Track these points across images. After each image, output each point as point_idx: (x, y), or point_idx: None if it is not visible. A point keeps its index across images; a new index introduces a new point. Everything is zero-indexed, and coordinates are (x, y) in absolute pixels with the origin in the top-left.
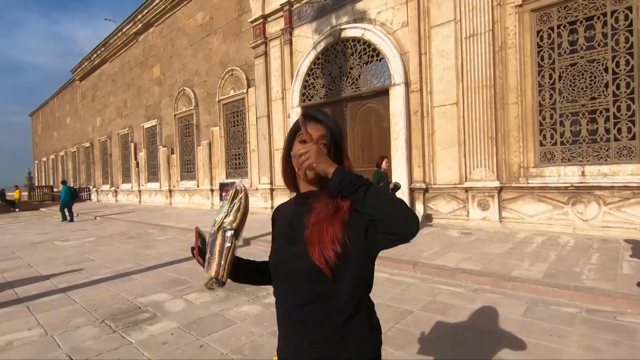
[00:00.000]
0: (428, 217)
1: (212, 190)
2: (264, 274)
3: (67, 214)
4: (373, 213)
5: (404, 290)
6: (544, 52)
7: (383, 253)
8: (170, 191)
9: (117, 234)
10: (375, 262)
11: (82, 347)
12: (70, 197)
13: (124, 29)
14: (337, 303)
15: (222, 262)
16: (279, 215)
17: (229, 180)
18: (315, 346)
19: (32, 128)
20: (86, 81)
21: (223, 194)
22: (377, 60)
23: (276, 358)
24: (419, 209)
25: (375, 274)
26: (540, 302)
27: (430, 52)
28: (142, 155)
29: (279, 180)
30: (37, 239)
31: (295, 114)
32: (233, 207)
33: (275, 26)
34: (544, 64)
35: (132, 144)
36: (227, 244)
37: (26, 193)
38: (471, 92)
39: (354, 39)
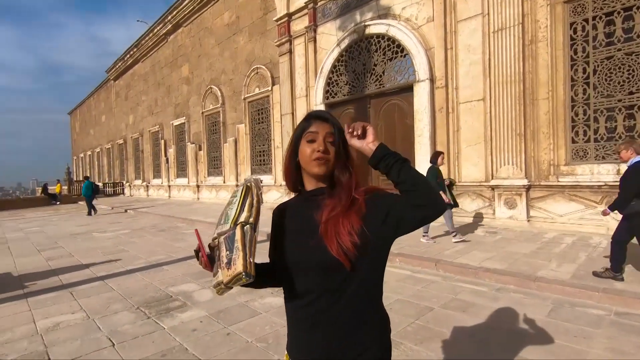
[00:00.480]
0: (453, 215)
1: (237, 186)
2: (266, 275)
3: (92, 207)
4: (408, 182)
5: (425, 287)
6: (578, 45)
7: (405, 250)
8: (198, 186)
9: (148, 227)
10: (398, 260)
11: (120, 331)
12: (92, 192)
13: (155, 30)
14: (353, 295)
15: (248, 256)
16: (286, 212)
17: (253, 177)
18: (327, 342)
19: (70, 126)
20: (120, 80)
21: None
22: (401, 56)
23: (287, 357)
24: None
25: (397, 271)
26: (567, 304)
27: (457, 47)
28: (171, 151)
29: None
30: (77, 230)
31: None
32: (246, 202)
33: (299, 24)
34: (578, 57)
35: (162, 141)
36: (249, 238)
37: (66, 187)
38: (499, 87)
39: (378, 35)
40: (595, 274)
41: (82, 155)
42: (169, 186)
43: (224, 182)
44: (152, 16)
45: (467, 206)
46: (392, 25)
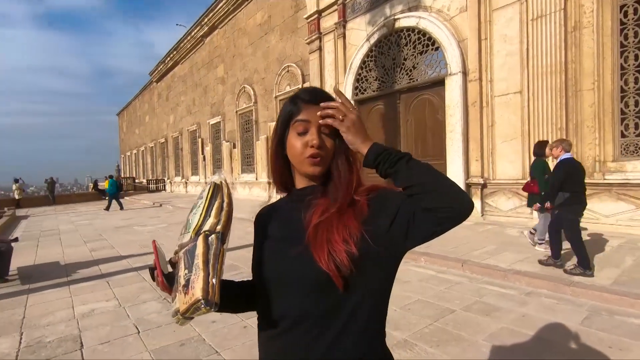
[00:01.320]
0: (485, 214)
1: (269, 183)
2: (245, 297)
3: (113, 203)
4: (418, 185)
5: (448, 288)
6: (629, 30)
7: (431, 249)
8: (232, 183)
9: (183, 222)
10: (423, 259)
11: (146, 319)
12: (116, 189)
13: (192, 33)
14: (343, 329)
15: (210, 276)
16: (271, 216)
17: (223, 172)
18: None
19: (118, 126)
20: (161, 82)
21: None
22: (432, 49)
23: None
24: (477, 206)
25: (421, 270)
26: (604, 311)
27: (492, 37)
28: (207, 149)
29: None
30: (121, 224)
31: None
32: (213, 205)
33: (329, 20)
34: (628, 43)
35: (200, 140)
36: (214, 252)
37: None
38: (537, 79)
39: (408, 29)
40: (540, 262)
41: (128, 153)
42: (206, 183)
43: (256, 179)
44: (192, 20)
45: (502, 205)
46: (423, 18)
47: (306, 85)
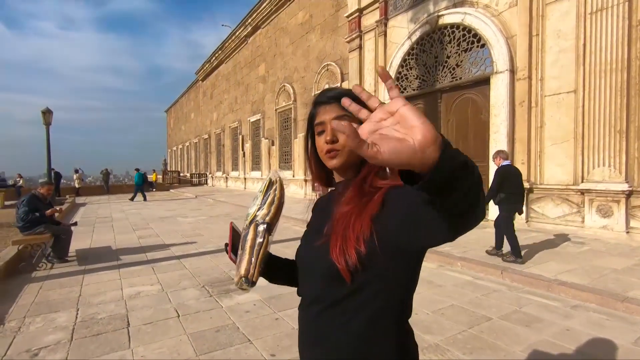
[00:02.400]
0: (531, 221)
1: (305, 181)
2: (292, 273)
3: (139, 195)
4: (459, 189)
5: (485, 295)
6: None
7: (469, 254)
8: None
9: (223, 215)
10: (459, 264)
11: (186, 304)
12: (142, 182)
13: (237, 33)
14: (350, 319)
15: (253, 260)
16: (316, 206)
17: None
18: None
19: (166, 122)
20: (206, 81)
21: (315, 184)
22: (477, 46)
23: None
24: None
25: (457, 275)
26: None
27: (544, 33)
28: (247, 146)
29: None
30: (165, 215)
31: None
32: (267, 198)
33: (370, 18)
34: None
35: (240, 136)
36: (259, 240)
37: (160, 176)
38: (595, 77)
39: (452, 26)
40: (487, 252)
41: (174, 148)
42: (245, 178)
43: (293, 176)
44: (236, 21)
45: (550, 212)
46: (469, 14)
47: (345, 84)
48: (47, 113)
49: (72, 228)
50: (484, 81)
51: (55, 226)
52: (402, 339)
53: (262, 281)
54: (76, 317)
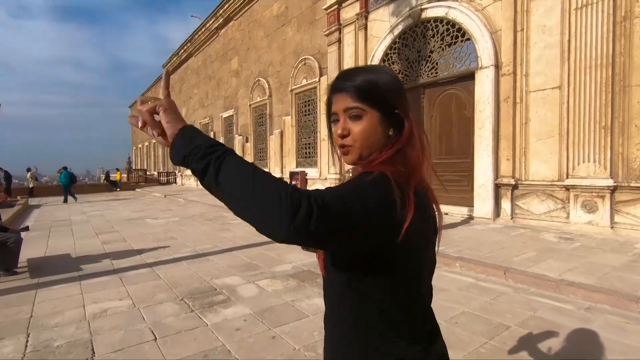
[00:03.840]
0: (516, 217)
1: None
2: None
3: (68, 195)
4: (228, 194)
5: (494, 299)
6: None
7: (465, 253)
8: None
9: (197, 215)
10: (457, 264)
11: (164, 323)
12: (70, 181)
13: (207, 25)
14: (339, 323)
15: None
16: None
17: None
18: (325, 351)
19: None
20: (174, 75)
21: (292, 182)
22: (461, 41)
23: None
24: (506, 208)
25: (458, 277)
26: None
27: (529, 28)
28: None
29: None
30: (133, 216)
31: None
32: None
33: (350, 11)
34: None
35: (212, 133)
36: None
37: (125, 175)
38: (580, 73)
39: (435, 19)
40: None
41: (140, 145)
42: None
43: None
44: (207, 12)
45: (535, 208)
46: (453, 7)
47: (323, 78)
48: None
49: (23, 234)
50: (469, 76)
51: (1, 232)
52: (400, 355)
53: (251, 290)
54: (26, 346)
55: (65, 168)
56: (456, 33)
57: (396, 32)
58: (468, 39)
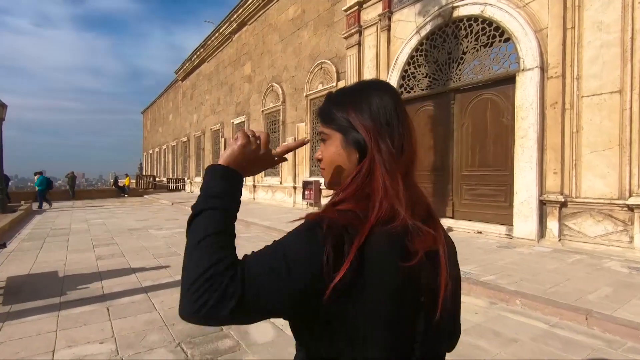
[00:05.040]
0: (564, 239)
1: (294, 188)
2: None
3: (43, 202)
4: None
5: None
6: None
7: (524, 287)
8: (255, 186)
9: None
10: (518, 302)
11: None
12: (46, 187)
13: (221, 30)
14: None
15: None
16: None
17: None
18: None
19: (143, 124)
20: (187, 81)
21: (306, 192)
22: (499, 41)
23: None
24: (553, 228)
25: (523, 320)
26: None
27: (581, 25)
28: None
29: None
30: (136, 225)
31: None
32: None
33: (371, 12)
34: None
35: (223, 139)
36: None
37: (134, 180)
38: None
39: (469, 18)
40: None
41: (150, 151)
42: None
43: (281, 183)
44: (220, 19)
45: (589, 229)
46: (490, 4)
47: (341, 83)
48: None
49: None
50: (508, 80)
51: None
52: None
53: (267, 332)
54: None
55: (41, 173)
56: (493, 32)
57: (423, 32)
58: (507, 39)
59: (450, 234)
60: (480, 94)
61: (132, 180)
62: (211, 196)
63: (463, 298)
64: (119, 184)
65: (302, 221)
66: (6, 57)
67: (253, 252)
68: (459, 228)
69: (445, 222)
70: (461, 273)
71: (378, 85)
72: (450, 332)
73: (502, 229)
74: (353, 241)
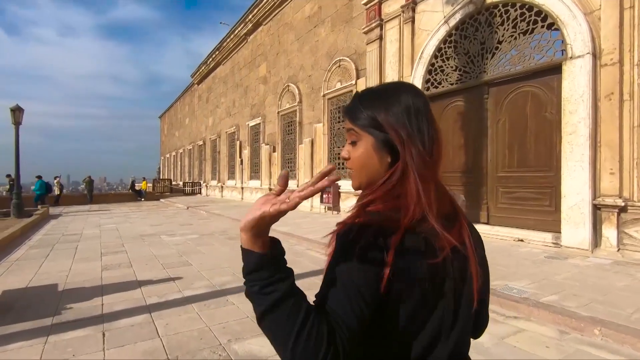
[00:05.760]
0: (623, 250)
1: None
2: None
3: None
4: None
5: None
6: None
7: (600, 313)
8: (270, 189)
9: (218, 233)
10: (597, 331)
11: None
12: (45, 191)
13: (236, 31)
14: None
15: None
16: None
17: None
18: None
19: (160, 128)
20: (202, 84)
21: (324, 195)
22: (541, 27)
23: None
24: (610, 236)
25: (608, 356)
26: None
27: None
28: (246, 153)
29: None
30: (149, 231)
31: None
32: None
33: (393, 5)
34: None
35: (238, 142)
36: None
37: (151, 184)
38: None
39: (505, 4)
40: None
41: (168, 155)
42: (242, 188)
43: (297, 186)
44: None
45: None
46: None
47: (361, 81)
48: (16, 111)
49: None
50: (552, 70)
51: None
52: None
53: None
54: None
55: (39, 177)
56: (534, 17)
57: (452, 22)
58: (551, 25)
59: (485, 241)
60: (519, 86)
61: (148, 184)
62: (275, 282)
63: (524, 324)
64: (136, 188)
65: (338, 229)
66: (32, 66)
67: (322, 291)
68: (495, 235)
69: (480, 229)
70: (513, 290)
71: (409, 88)
72: (478, 321)
73: (547, 237)
74: (388, 244)
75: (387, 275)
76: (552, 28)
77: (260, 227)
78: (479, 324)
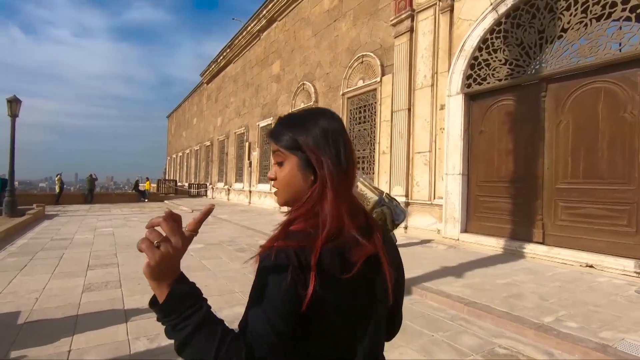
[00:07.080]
0: None
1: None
2: None
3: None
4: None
5: None
6: None
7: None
8: (250, 192)
9: (226, 242)
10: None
11: None
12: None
13: (249, 28)
14: None
15: None
16: None
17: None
18: None
19: (167, 128)
20: (212, 83)
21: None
22: (622, 10)
23: None
24: None
25: None
26: None
27: None
28: (255, 154)
29: (418, 192)
30: None
31: (455, 104)
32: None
33: None
34: None
35: (247, 143)
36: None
37: (155, 185)
38: None
39: None
40: None
41: (174, 156)
42: (250, 192)
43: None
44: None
45: None
46: None
47: (387, 78)
48: (13, 102)
49: None
50: (634, 62)
51: None
52: None
53: None
54: None
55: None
56: (612, 0)
57: (502, 9)
58: (636, 7)
59: (542, 265)
60: (589, 82)
61: (152, 185)
62: (189, 316)
63: None
64: (140, 188)
65: (259, 252)
66: (47, 66)
67: (245, 313)
68: (554, 258)
69: (533, 249)
70: (615, 347)
71: (326, 113)
72: (390, 325)
73: (628, 264)
74: (308, 263)
75: (310, 295)
76: (637, 11)
77: (157, 275)
78: (393, 327)
